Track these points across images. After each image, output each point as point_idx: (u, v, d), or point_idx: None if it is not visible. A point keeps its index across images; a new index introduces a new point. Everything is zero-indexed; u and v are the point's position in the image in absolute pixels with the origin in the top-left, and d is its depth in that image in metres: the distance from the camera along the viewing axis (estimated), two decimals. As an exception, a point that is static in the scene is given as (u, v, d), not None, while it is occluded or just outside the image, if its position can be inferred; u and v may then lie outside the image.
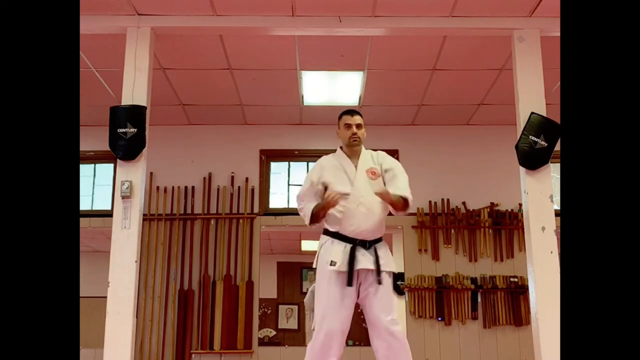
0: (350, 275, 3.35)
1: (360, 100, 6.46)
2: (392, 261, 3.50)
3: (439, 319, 6.57)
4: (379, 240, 3.49)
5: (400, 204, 3.46)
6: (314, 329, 3.50)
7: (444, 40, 5.30)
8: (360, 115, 3.67)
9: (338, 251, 3.40)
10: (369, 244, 3.43)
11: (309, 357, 3.36)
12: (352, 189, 3.48)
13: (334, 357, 3.31)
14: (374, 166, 3.57)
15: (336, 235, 3.46)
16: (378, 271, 3.38)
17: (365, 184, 3.50)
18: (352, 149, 3.62)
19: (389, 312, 3.36)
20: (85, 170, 7.05)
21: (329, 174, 3.58)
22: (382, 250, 3.47)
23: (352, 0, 4.71)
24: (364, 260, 3.39)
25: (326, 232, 3.53)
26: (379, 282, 3.36)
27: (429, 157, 7.01)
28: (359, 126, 3.59)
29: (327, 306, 3.36)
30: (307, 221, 3.58)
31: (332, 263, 3.38)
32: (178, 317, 6.49)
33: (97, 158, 7.01)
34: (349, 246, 3.41)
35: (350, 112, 3.67)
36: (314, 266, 3.54)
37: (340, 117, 3.68)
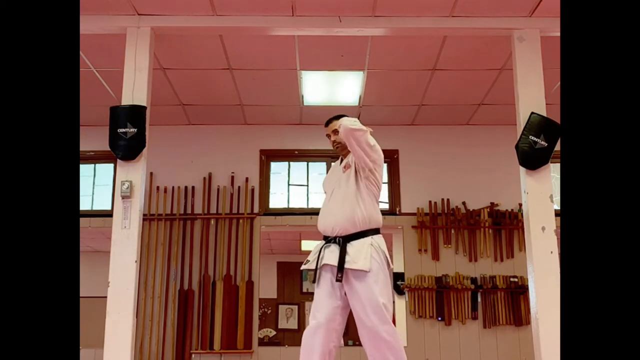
0: (315, 272, 3.40)
1: (360, 100, 6.47)
2: (365, 259, 3.31)
3: (439, 319, 6.57)
4: (355, 236, 3.38)
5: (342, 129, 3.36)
6: None
7: (444, 40, 5.30)
8: (338, 119, 3.60)
9: (314, 250, 3.51)
10: (340, 240, 3.38)
11: (301, 352, 3.38)
12: (328, 188, 3.62)
13: (320, 350, 3.29)
14: (349, 160, 3.55)
15: (322, 235, 3.56)
16: (339, 268, 3.31)
17: (338, 179, 3.55)
18: (343, 154, 3.67)
19: (371, 313, 3.25)
20: (85, 170, 7.05)
21: (327, 178, 3.82)
22: (355, 247, 3.35)
23: (352, 0, 4.71)
24: (329, 256, 3.38)
25: None
26: (338, 279, 3.29)
27: (429, 157, 7.01)
28: (335, 132, 3.59)
29: (314, 301, 3.43)
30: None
31: (305, 262, 3.51)
32: (178, 317, 6.49)
33: (97, 158, 7.01)
34: (323, 244, 3.47)
35: (326, 122, 3.69)
36: None
37: (325, 125, 3.73)
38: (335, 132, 3.57)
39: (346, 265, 3.31)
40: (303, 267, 3.54)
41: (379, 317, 3.23)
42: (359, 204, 3.41)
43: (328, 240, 3.44)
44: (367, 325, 3.24)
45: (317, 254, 3.46)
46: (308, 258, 3.51)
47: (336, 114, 3.73)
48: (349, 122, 3.35)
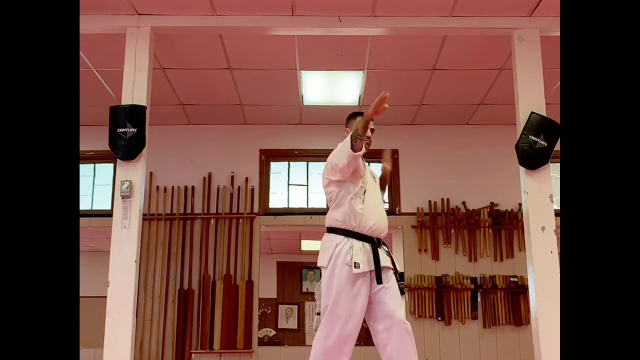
0: (379, 274, 3.37)
1: (360, 100, 6.46)
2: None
3: (439, 319, 6.57)
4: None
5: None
6: (316, 330, 3.47)
7: (444, 40, 5.30)
8: (349, 119, 3.76)
9: (358, 251, 3.34)
10: (380, 243, 3.48)
11: (319, 356, 3.28)
12: (368, 186, 3.54)
13: (346, 357, 3.30)
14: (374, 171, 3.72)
15: (352, 234, 3.39)
16: (395, 270, 3.52)
17: (375, 185, 3.66)
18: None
19: (400, 307, 3.44)
20: (85, 170, 7.05)
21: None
22: (387, 249, 3.55)
23: (352, 0, 4.71)
24: (385, 258, 3.46)
25: (338, 231, 3.44)
26: (399, 280, 3.51)
27: (429, 157, 7.01)
28: (372, 131, 3.61)
29: (350, 308, 3.28)
30: (348, 151, 3.35)
31: (357, 265, 3.30)
32: (178, 317, 6.49)
33: (97, 158, 7.00)
34: (367, 245, 3.39)
35: (355, 115, 3.72)
36: (323, 265, 3.41)
37: (356, 118, 3.62)
38: (373, 131, 3.61)
39: (389, 265, 3.48)
40: (358, 270, 3.30)
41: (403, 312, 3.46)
42: None
43: (372, 241, 3.42)
44: (399, 319, 3.34)
45: (371, 255, 3.38)
46: (356, 261, 3.31)
47: (348, 113, 3.80)
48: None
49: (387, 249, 3.54)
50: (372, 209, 3.47)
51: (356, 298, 3.30)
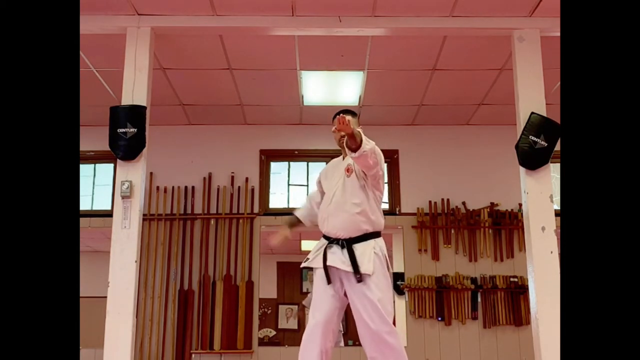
0: (326, 273, 3.40)
1: (360, 100, 6.47)
2: (368, 262, 3.32)
3: (439, 319, 6.57)
4: (358, 239, 3.40)
5: (353, 137, 3.20)
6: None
7: (444, 40, 5.30)
8: (353, 115, 3.61)
9: (315, 249, 3.53)
10: (342, 243, 3.40)
11: (300, 350, 3.38)
12: (329, 188, 3.58)
13: (318, 349, 3.30)
14: (351, 163, 3.50)
15: (323, 235, 3.56)
16: (354, 268, 3.36)
17: (340, 181, 3.52)
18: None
19: (374, 316, 3.27)
20: (85, 170, 7.05)
21: (325, 173, 3.75)
22: (359, 250, 3.36)
23: (352, 0, 4.71)
24: (332, 258, 3.40)
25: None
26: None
27: (429, 157, 7.01)
28: None
29: (313, 300, 3.46)
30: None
31: (305, 259, 3.53)
32: (178, 317, 6.49)
33: (97, 158, 7.01)
34: (326, 244, 3.48)
35: (339, 113, 3.58)
36: None
37: (332, 120, 3.63)
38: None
39: (349, 269, 3.33)
40: (303, 264, 3.55)
41: (382, 319, 3.26)
42: (365, 209, 3.43)
43: (331, 241, 3.45)
44: (371, 327, 3.26)
45: (319, 253, 3.47)
46: (308, 256, 3.53)
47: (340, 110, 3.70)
48: (370, 146, 3.26)
49: (355, 250, 3.36)
50: (328, 211, 3.50)
51: (317, 291, 3.46)
